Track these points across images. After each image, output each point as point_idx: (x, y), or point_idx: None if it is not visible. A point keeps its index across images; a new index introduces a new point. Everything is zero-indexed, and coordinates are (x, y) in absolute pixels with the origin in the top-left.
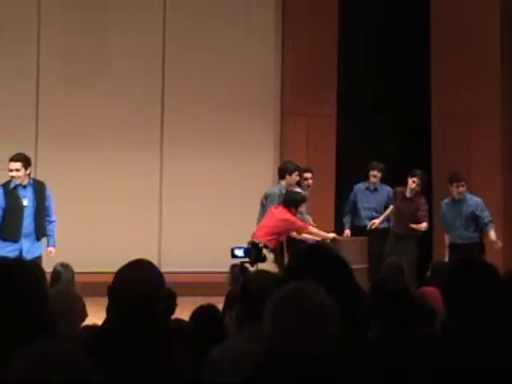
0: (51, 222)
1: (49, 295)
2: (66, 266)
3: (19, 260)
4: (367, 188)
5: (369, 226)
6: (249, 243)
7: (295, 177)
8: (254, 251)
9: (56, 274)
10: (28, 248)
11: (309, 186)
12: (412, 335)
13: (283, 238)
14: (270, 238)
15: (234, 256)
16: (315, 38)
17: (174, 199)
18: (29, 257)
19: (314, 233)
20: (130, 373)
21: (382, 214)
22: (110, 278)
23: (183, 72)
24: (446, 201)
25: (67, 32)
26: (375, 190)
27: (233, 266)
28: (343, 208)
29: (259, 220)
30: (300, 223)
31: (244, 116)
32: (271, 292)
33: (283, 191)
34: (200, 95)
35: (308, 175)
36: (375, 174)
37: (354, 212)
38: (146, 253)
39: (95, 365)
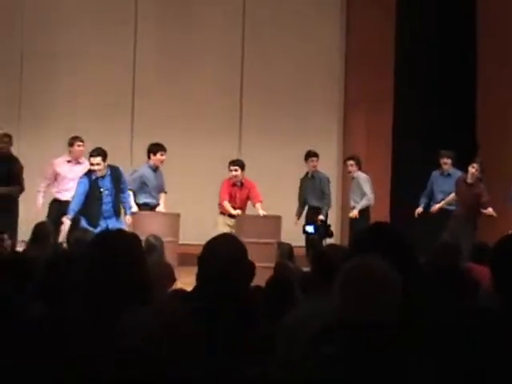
0: (126, 197)
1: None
2: (157, 238)
3: (121, 230)
4: (441, 174)
5: (431, 209)
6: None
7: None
8: (322, 228)
9: (149, 245)
10: (112, 226)
11: (349, 172)
12: (458, 309)
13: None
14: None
15: (304, 232)
16: (374, 26)
17: None
18: None
19: (223, 206)
20: (217, 331)
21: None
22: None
23: (260, 60)
24: None
25: (161, 25)
26: (448, 175)
27: (280, 244)
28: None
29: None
30: (220, 196)
31: (310, 103)
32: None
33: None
34: (274, 82)
35: (349, 162)
36: (445, 162)
37: (430, 195)
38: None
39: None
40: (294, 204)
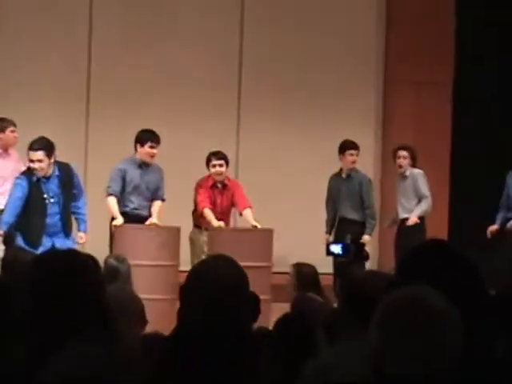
0: (80, 207)
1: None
2: (121, 260)
3: (72, 250)
4: None
5: (507, 227)
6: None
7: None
8: (354, 248)
9: (111, 269)
10: (60, 245)
11: (400, 167)
12: None
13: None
14: None
15: (329, 253)
16: None
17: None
18: None
19: (204, 214)
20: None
21: None
22: None
23: (264, 18)
24: None
25: None
26: None
27: (298, 267)
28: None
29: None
30: (198, 201)
31: (336, 78)
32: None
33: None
34: (285, 48)
35: (401, 153)
36: None
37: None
38: None
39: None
40: (317, 214)
